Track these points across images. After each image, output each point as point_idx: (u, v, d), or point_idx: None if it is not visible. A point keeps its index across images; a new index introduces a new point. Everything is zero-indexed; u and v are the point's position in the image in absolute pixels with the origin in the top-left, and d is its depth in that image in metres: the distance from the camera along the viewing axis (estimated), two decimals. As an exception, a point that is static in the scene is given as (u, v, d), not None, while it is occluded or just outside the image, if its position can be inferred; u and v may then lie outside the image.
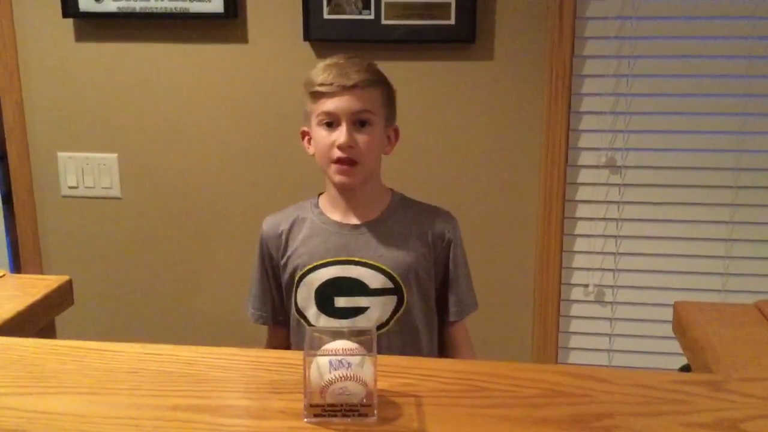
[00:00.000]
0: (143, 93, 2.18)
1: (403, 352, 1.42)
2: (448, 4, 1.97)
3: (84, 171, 2.24)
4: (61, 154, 2.24)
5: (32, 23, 2.17)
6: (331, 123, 1.40)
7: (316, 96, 1.40)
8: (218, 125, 2.17)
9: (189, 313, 2.30)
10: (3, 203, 2.41)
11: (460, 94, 2.07)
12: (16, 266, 2.35)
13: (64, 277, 1.36)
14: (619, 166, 2.08)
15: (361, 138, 1.40)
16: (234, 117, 2.16)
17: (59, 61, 2.19)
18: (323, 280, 1.44)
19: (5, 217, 2.42)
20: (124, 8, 2.08)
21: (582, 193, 2.11)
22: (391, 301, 1.44)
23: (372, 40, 2.01)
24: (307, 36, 2.05)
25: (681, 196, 2.08)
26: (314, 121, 1.42)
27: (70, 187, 2.25)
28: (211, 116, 2.17)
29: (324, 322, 1.45)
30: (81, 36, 2.16)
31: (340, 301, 1.44)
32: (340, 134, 1.38)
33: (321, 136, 1.41)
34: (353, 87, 1.38)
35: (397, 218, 1.48)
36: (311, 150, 1.47)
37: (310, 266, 1.45)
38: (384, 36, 2.01)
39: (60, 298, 1.33)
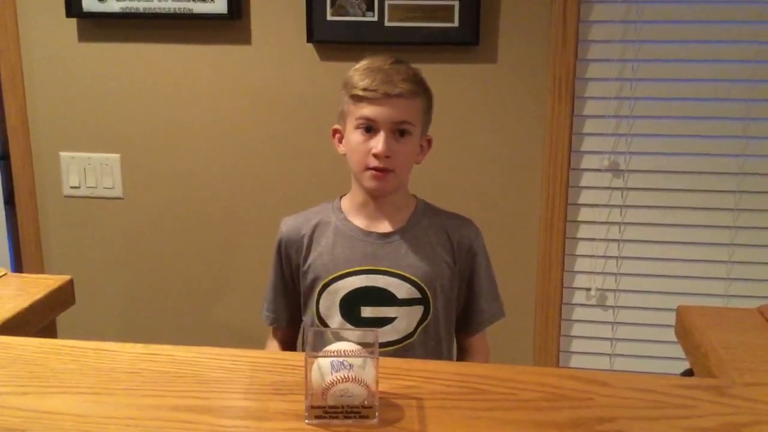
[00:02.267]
0: (146, 93, 2.18)
1: None
2: (452, 7, 1.97)
3: (86, 171, 2.24)
4: (63, 154, 2.24)
5: (35, 23, 2.17)
6: (369, 128, 1.37)
7: (358, 99, 1.37)
8: (221, 126, 2.17)
9: (191, 313, 2.29)
10: (5, 203, 2.41)
11: (463, 97, 2.07)
12: (18, 265, 2.35)
13: (66, 277, 1.35)
14: (622, 170, 2.08)
15: (399, 148, 1.37)
16: (237, 118, 2.16)
17: (62, 60, 2.19)
18: (349, 289, 1.41)
19: (7, 216, 2.42)
20: (127, 8, 2.08)
21: (584, 197, 2.11)
22: (417, 311, 1.42)
23: (375, 42, 2.01)
24: (311, 37, 2.05)
25: (684, 201, 2.07)
26: (351, 123, 1.39)
27: (72, 187, 2.25)
28: (214, 117, 2.17)
29: None
30: (84, 36, 2.17)
31: (367, 311, 1.41)
32: (378, 142, 1.35)
33: (357, 140, 1.38)
34: (398, 96, 1.35)
35: (422, 227, 1.46)
36: (341, 149, 1.44)
37: (336, 275, 1.42)
38: (387, 38, 2.01)
39: (61, 298, 1.33)
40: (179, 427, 0.86)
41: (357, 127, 1.38)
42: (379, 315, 1.41)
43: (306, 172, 2.15)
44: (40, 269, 2.31)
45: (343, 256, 1.43)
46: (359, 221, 1.45)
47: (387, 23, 2.01)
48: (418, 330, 1.43)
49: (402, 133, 1.38)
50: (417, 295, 1.42)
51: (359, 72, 1.39)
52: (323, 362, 0.86)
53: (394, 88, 1.35)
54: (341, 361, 0.86)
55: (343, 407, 0.86)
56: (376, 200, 1.44)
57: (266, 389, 0.95)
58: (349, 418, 0.87)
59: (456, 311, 1.51)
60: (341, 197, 1.51)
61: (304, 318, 1.50)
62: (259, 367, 1.02)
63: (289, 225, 1.50)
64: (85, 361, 1.02)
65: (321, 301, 1.44)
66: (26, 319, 1.21)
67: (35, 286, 1.30)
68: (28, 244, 2.31)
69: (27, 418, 0.88)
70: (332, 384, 0.85)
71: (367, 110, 1.36)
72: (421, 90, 1.40)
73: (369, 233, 1.44)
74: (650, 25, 2.00)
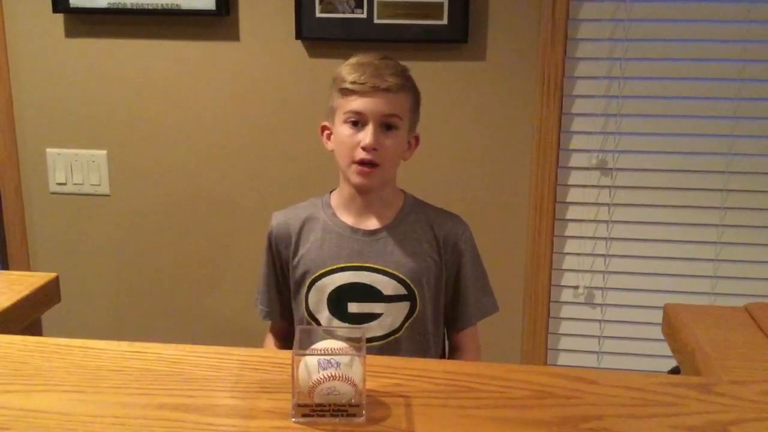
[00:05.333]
0: (133, 89, 2.17)
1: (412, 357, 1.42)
2: (441, 4, 1.97)
3: (73, 167, 2.22)
4: (49, 150, 2.23)
5: (22, 18, 2.15)
6: (357, 122, 1.38)
7: (346, 93, 1.38)
8: (208, 123, 2.16)
9: (179, 311, 2.28)
10: (-9, 199, 2.40)
11: (452, 94, 2.06)
12: (3, 263, 2.33)
13: (51, 275, 1.35)
14: (610, 168, 2.08)
15: (386, 141, 1.38)
16: (224, 115, 2.15)
17: (49, 56, 2.17)
18: (336, 285, 1.43)
19: (-7, 213, 2.40)
20: (114, 4, 2.07)
21: (573, 195, 2.11)
22: (404, 307, 1.44)
23: (364, 40, 2.00)
24: (299, 34, 2.04)
25: (671, 199, 2.08)
26: (339, 117, 1.40)
27: (59, 184, 2.24)
28: (201, 114, 2.16)
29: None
30: (71, 32, 2.15)
31: (353, 307, 1.43)
32: (366, 135, 1.36)
33: (345, 134, 1.39)
34: (386, 90, 1.36)
35: (410, 223, 1.47)
36: (330, 146, 1.45)
37: (323, 270, 1.44)
38: (376, 35, 2.01)
39: (47, 296, 1.32)
40: (165, 425, 0.86)
41: (345, 121, 1.39)
42: (366, 311, 1.43)
43: (294, 169, 2.14)
44: (26, 266, 2.29)
45: (330, 253, 1.44)
46: (347, 218, 1.46)
47: (376, 20, 2.00)
48: (405, 326, 1.44)
49: (389, 127, 1.39)
50: (403, 291, 1.43)
51: (348, 67, 1.40)
52: (310, 360, 0.86)
53: (383, 81, 1.36)
54: (328, 359, 0.86)
55: (330, 405, 0.86)
56: (364, 196, 1.45)
57: (253, 387, 0.95)
58: (336, 416, 0.87)
59: (444, 307, 1.51)
60: (331, 192, 1.52)
61: (294, 312, 1.51)
62: (246, 365, 1.02)
63: (279, 220, 1.51)
64: (70, 359, 1.02)
65: (310, 297, 1.45)
66: (11, 317, 1.21)
67: (20, 284, 1.29)
68: (14, 241, 2.29)
69: (11, 417, 0.88)
70: (319, 382, 0.85)
71: (356, 103, 1.37)
72: (409, 85, 1.42)
73: (356, 230, 1.45)
74: (639, 24, 2.00)
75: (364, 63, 1.39)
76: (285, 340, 1.57)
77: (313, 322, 1.46)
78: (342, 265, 1.43)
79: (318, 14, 2.02)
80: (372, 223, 1.46)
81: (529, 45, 2.01)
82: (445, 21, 1.98)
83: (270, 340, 1.58)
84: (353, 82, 1.37)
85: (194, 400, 0.91)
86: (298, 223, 1.48)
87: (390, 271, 1.42)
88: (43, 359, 1.02)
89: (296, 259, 1.47)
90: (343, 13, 2.01)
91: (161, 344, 1.05)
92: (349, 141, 1.38)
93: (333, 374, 0.85)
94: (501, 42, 2.02)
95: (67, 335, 1.09)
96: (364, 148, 1.37)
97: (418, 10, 1.98)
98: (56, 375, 0.97)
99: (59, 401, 0.91)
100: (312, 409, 0.86)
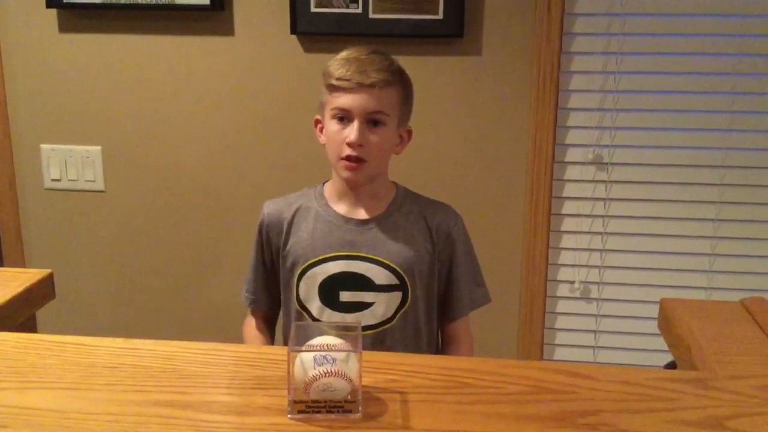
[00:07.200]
0: (128, 85, 2.16)
1: (405, 348, 1.44)
2: (436, -1, 1.97)
3: (67, 163, 2.22)
4: (44, 146, 2.22)
5: (15, 13, 2.14)
6: (344, 118, 1.39)
7: (332, 89, 1.39)
8: (203, 118, 2.16)
9: (174, 306, 2.28)
10: (-15, 195, 2.38)
11: (448, 89, 2.06)
12: (-2, 259, 2.33)
13: (46, 271, 1.34)
14: (606, 163, 2.08)
15: (373, 137, 1.38)
16: (219, 110, 2.15)
17: (42, 52, 2.16)
18: (328, 274, 1.44)
19: (-13, 209, 2.39)
20: (108, -1, 2.06)
21: (569, 190, 2.11)
22: (396, 297, 1.44)
23: (359, 34, 2.00)
24: (294, 29, 2.03)
25: (667, 194, 2.08)
26: (328, 113, 1.41)
27: (53, 180, 2.23)
28: (196, 109, 2.15)
29: (328, 316, 1.44)
30: (65, 27, 2.14)
31: (345, 296, 1.44)
32: (351, 132, 1.37)
33: (333, 130, 1.40)
34: (371, 86, 1.36)
35: (402, 213, 1.48)
36: (322, 139, 1.46)
37: (314, 260, 1.44)
38: (371, 30, 2.00)
39: (41, 292, 1.31)
40: (160, 422, 0.86)
41: (333, 117, 1.40)
42: (358, 300, 1.44)
43: (289, 164, 2.14)
44: (20, 263, 2.29)
45: (322, 242, 1.45)
46: (340, 208, 1.47)
47: (371, 15, 2.00)
48: (397, 315, 1.45)
49: (376, 123, 1.39)
50: (395, 281, 1.43)
51: (336, 62, 1.40)
52: (306, 356, 0.86)
53: (368, 78, 1.36)
54: (324, 356, 0.85)
55: (326, 402, 0.86)
56: (355, 189, 1.45)
57: (249, 384, 0.95)
58: (332, 412, 0.86)
59: (437, 297, 1.51)
60: (324, 183, 1.52)
61: (283, 301, 1.52)
62: (241, 361, 1.01)
63: (271, 208, 1.52)
64: (65, 356, 1.01)
65: (300, 285, 1.46)
66: (5, 314, 1.20)
67: (15, 280, 1.28)
68: (9, 237, 2.28)
69: (6, 414, 0.87)
70: (315, 378, 0.85)
71: (342, 100, 1.38)
72: (396, 80, 1.41)
73: (348, 219, 1.46)
74: (635, 18, 2.00)
75: (351, 58, 1.39)
76: (268, 326, 1.58)
77: (304, 312, 1.46)
78: (333, 254, 1.44)
79: (313, 9, 2.01)
80: (364, 214, 1.47)
81: (525, 40, 2.01)
82: (440, 16, 1.98)
83: (250, 323, 1.57)
84: (339, 79, 1.37)
85: (189, 396, 0.91)
86: (290, 212, 1.49)
87: (382, 260, 1.43)
88: (38, 356, 1.01)
89: (287, 248, 1.48)
90: (338, 7, 2.00)
91: (155, 341, 1.05)
92: (337, 137, 1.39)
93: (329, 370, 0.85)
94: (496, 37, 2.02)
95: (61, 332, 1.09)
96: (349, 145, 1.38)
97: (413, 4, 1.98)
98: (51, 372, 0.97)
99: (54, 398, 0.90)
100: (308, 405, 0.86)
